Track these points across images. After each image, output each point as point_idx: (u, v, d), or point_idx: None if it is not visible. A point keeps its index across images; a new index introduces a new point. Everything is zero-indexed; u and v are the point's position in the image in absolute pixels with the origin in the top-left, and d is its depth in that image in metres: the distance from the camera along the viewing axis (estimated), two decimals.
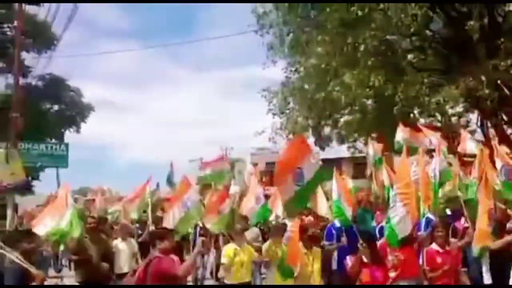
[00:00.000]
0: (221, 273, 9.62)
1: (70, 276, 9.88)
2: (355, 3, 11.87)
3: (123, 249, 8.31)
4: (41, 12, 24.08)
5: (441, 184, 7.54)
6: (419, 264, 6.18)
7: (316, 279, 6.70)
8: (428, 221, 6.95)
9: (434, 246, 6.05)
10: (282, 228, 7.39)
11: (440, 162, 7.57)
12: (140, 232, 10.50)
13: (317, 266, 6.71)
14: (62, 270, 13.85)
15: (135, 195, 11.21)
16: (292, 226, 6.55)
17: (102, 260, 7.45)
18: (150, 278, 4.54)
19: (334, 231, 7.69)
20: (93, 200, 16.78)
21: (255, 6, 14.77)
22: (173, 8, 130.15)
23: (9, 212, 14.64)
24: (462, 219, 7.27)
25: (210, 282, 11.07)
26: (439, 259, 5.93)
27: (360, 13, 11.74)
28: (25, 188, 24.57)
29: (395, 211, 5.83)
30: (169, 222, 7.42)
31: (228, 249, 7.24)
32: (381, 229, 7.04)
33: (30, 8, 22.50)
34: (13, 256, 5.25)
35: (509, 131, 14.30)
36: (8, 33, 25.37)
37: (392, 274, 5.73)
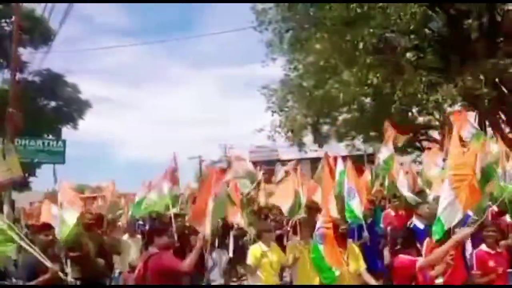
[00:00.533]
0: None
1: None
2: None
3: (132, 246, 8.37)
4: (38, 7, 23.98)
5: (486, 182, 6.74)
6: (466, 267, 5.48)
7: (353, 280, 5.81)
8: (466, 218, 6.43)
9: (484, 247, 5.38)
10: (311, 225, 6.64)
11: (482, 158, 6.81)
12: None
13: (353, 265, 5.84)
14: None
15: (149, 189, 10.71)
16: (325, 222, 5.72)
17: (98, 256, 7.49)
18: (151, 274, 4.48)
19: (355, 229, 7.41)
20: (94, 197, 16.72)
21: (255, 3, 14.76)
22: (172, 4, 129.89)
23: (5, 208, 14.57)
24: (507, 216, 6.80)
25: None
26: (491, 262, 5.27)
27: (359, 10, 11.71)
28: (22, 184, 24.51)
29: (444, 194, 4.99)
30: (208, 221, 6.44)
31: (254, 249, 6.49)
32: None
33: (27, 4, 22.41)
34: (31, 248, 5.30)
35: (506, 130, 14.32)
36: (6, 28, 25.23)
37: (440, 280, 4.82)
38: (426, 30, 13.49)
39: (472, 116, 15.47)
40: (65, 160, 22.34)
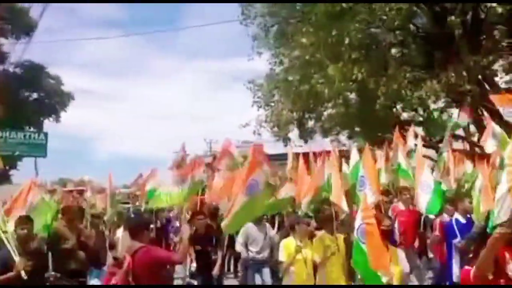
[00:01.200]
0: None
1: None
2: None
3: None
4: None
5: None
6: None
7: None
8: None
9: None
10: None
11: None
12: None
13: (398, 269, 5.16)
14: None
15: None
16: (366, 217, 4.99)
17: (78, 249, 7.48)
18: (141, 266, 4.40)
19: None
20: (81, 191, 16.49)
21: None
22: None
23: None
24: None
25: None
26: None
27: (344, 5, 11.72)
28: (3, 177, 24.14)
29: (499, 188, 4.25)
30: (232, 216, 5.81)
31: (288, 244, 5.97)
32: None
33: None
34: (6, 241, 5.21)
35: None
36: None
37: None
38: (411, 26, 13.56)
39: (455, 112, 15.67)
40: (47, 153, 22.12)
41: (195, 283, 7.17)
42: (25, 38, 24.84)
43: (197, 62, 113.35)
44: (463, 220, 6.79)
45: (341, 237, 5.96)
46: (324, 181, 7.30)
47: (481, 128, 14.54)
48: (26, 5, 21.29)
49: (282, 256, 5.94)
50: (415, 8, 12.79)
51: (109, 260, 8.17)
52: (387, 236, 5.28)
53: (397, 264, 5.15)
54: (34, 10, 26.68)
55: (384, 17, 12.34)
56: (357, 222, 5.11)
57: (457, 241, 6.65)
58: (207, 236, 7.33)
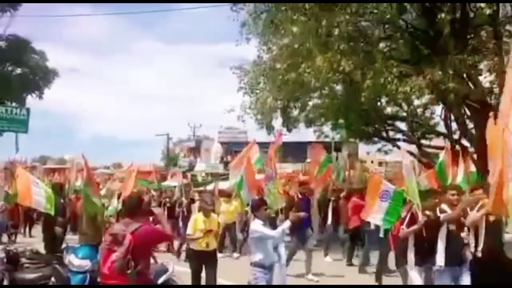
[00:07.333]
0: None
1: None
2: None
3: None
4: None
5: None
6: None
7: None
8: None
9: None
10: None
11: None
12: None
13: None
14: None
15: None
16: None
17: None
18: (142, 243, 4.65)
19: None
20: (61, 169, 16.44)
21: None
22: None
23: None
24: None
25: None
26: None
27: None
28: None
29: None
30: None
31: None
32: None
33: None
34: None
35: (470, 125, 14.71)
36: None
37: None
38: (401, 21, 13.60)
39: (438, 109, 15.86)
40: (28, 129, 21.77)
41: None
42: (10, 11, 24.34)
43: (184, 45, 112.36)
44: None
45: None
46: None
47: (462, 126, 14.75)
48: None
49: None
50: (406, 4, 12.82)
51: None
52: None
53: None
54: None
55: (375, 11, 12.35)
56: None
57: None
58: None
